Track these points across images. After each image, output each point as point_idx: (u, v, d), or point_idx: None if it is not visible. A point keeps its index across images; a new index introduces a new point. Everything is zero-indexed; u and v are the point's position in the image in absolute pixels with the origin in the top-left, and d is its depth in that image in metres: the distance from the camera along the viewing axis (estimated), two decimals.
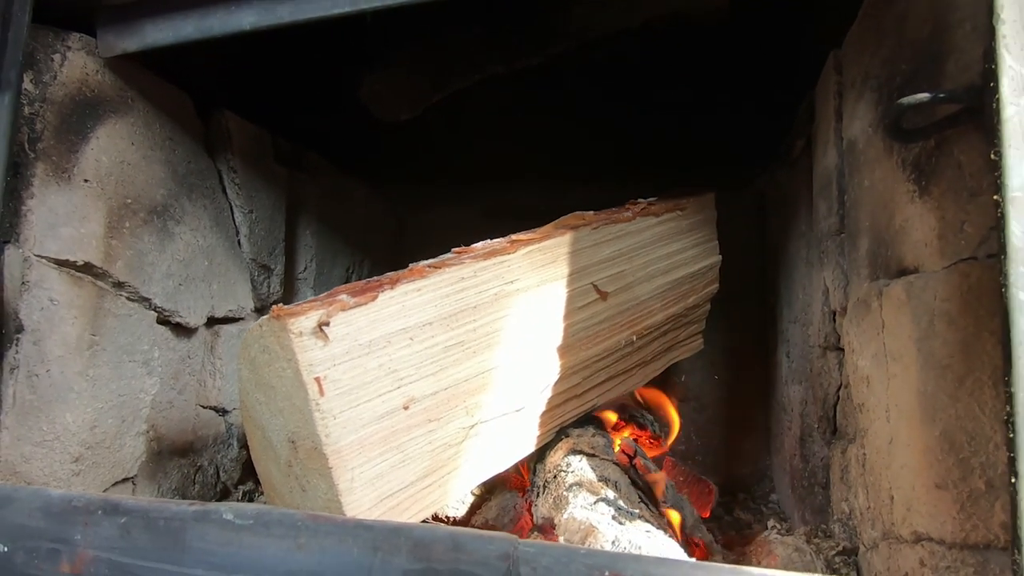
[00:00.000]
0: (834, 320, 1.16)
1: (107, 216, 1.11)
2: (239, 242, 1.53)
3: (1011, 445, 0.56)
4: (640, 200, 1.38)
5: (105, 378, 1.09)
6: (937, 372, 0.70)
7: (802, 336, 1.47)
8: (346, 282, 2.10)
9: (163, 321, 1.26)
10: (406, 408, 0.92)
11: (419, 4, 0.97)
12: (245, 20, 1.05)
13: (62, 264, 1.04)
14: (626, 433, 1.42)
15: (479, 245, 1.12)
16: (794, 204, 1.54)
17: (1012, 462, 0.56)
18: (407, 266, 1.02)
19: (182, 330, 1.32)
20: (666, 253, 1.38)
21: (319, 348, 0.83)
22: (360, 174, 2.09)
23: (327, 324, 0.82)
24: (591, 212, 1.27)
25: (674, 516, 1.06)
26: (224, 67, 1.42)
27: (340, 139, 1.85)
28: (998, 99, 0.60)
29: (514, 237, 1.11)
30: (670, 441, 1.78)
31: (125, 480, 1.15)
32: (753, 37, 1.30)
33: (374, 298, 0.89)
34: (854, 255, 1.04)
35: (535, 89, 1.56)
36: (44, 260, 1.02)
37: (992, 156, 0.61)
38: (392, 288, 0.91)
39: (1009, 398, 0.56)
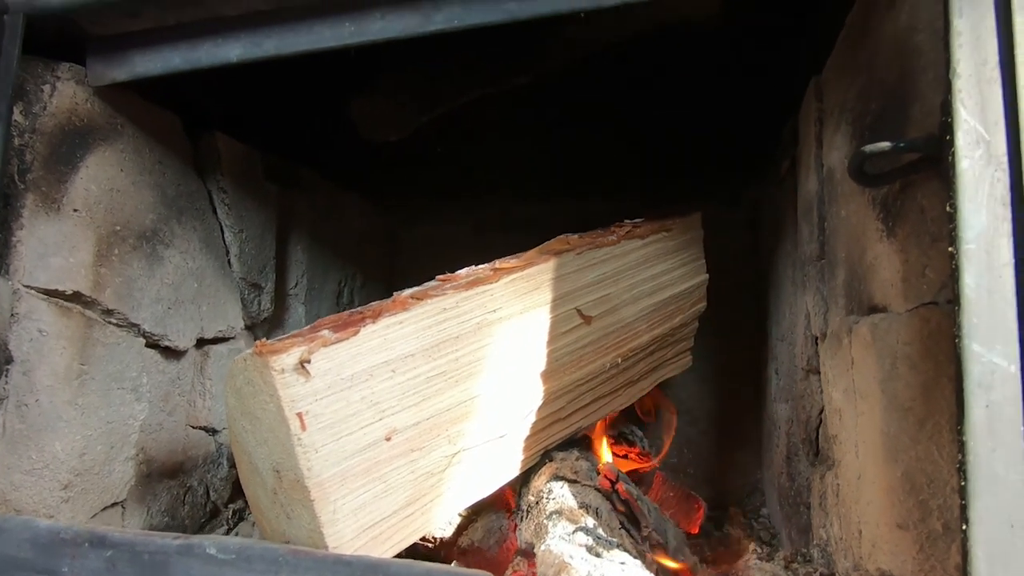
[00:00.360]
0: (816, 344, 1.17)
1: (96, 244, 1.13)
2: (229, 262, 1.55)
3: (963, 492, 0.57)
4: (625, 222, 1.40)
5: (94, 406, 1.11)
6: (899, 414, 0.72)
7: (788, 355, 1.48)
8: (338, 296, 2.12)
9: (152, 345, 1.27)
10: (388, 439, 0.94)
11: (402, 39, 0.98)
12: (232, 53, 1.06)
13: (51, 294, 1.06)
14: (608, 457, 1.43)
15: (463, 272, 1.14)
16: (782, 222, 1.55)
17: (964, 509, 0.57)
18: (392, 295, 1.03)
19: (171, 353, 1.34)
20: (651, 275, 1.39)
21: (301, 384, 0.85)
22: (353, 188, 2.11)
23: (308, 361, 0.84)
24: (575, 236, 1.28)
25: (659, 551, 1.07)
26: (214, 88, 1.44)
27: (333, 154, 1.86)
28: (954, 152, 0.62)
29: (497, 265, 1.13)
30: (660, 456, 1.79)
31: (114, 505, 1.17)
32: (744, 50, 1.30)
33: (356, 332, 0.90)
34: (832, 283, 1.06)
35: (528, 104, 1.58)
36: (33, 291, 1.03)
37: (948, 208, 0.62)
38: (374, 322, 0.93)
39: (962, 446, 0.58)
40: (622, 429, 1.71)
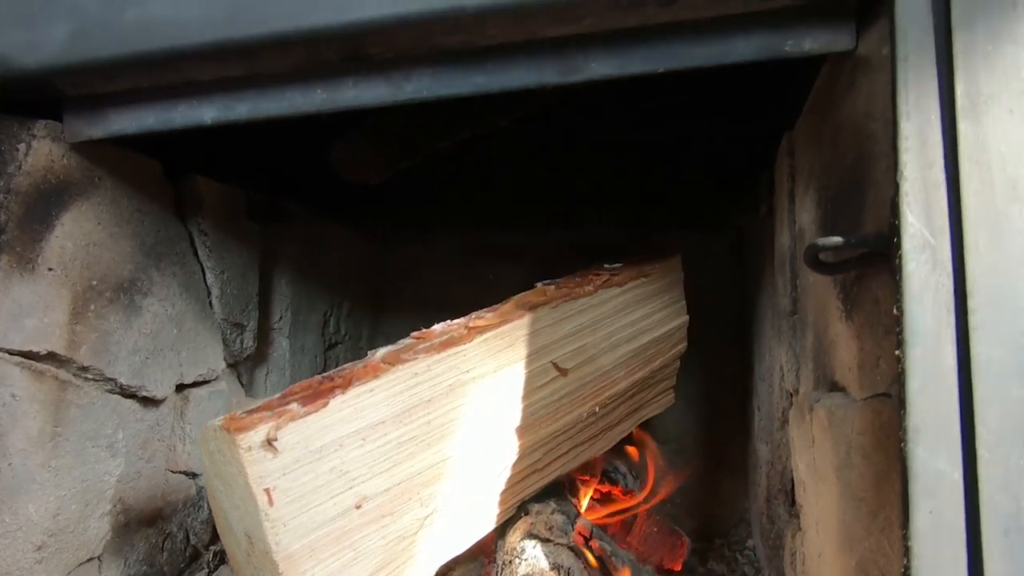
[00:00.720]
0: (790, 398, 1.18)
1: (72, 302, 1.13)
2: (210, 303, 1.55)
3: None
4: (604, 268, 1.41)
5: (68, 467, 1.11)
6: (854, 503, 0.72)
7: (768, 397, 1.49)
8: (324, 327, 2.13)
9: (129, 396, 1.28)
10: (359, 507, 0.94)
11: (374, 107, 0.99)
12: (206, 115, 1.07)
13: (26, 356, 1.06)
14: (587, 499, 1.44)
15: (437, 329, 1.15)
16: (763, 260, 1.55)
17: None
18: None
19: (150, 402, 1.34)
20: (630, 321, 1.40)
21: (269, 460, 0.85)
22: (339, 215, 2.11)
23: (275, 439, 0.85)
24: (552, 286, 1.29)
25: None
26: (196, 132, 1.44)
27: (317, 185, 1.87)
28: (900, 256, 0.63)
29: (471, 323, 1.13)
30: (644, 494, 1.80)
31: (90, 560, 1.17)
32: (729, 90, 1.30)
33: (326, 404, 0.91)
34: (803, 343, 1.07)
35: (515, 133, 1.58)
36: (7, 354, 1.04)
37: (895, 311, 0.63)
38: (344, 392, 0.93)
39: (907, 551, 0.59)
40: (605, 467, 1.72)
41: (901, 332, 0.62)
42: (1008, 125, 0.61)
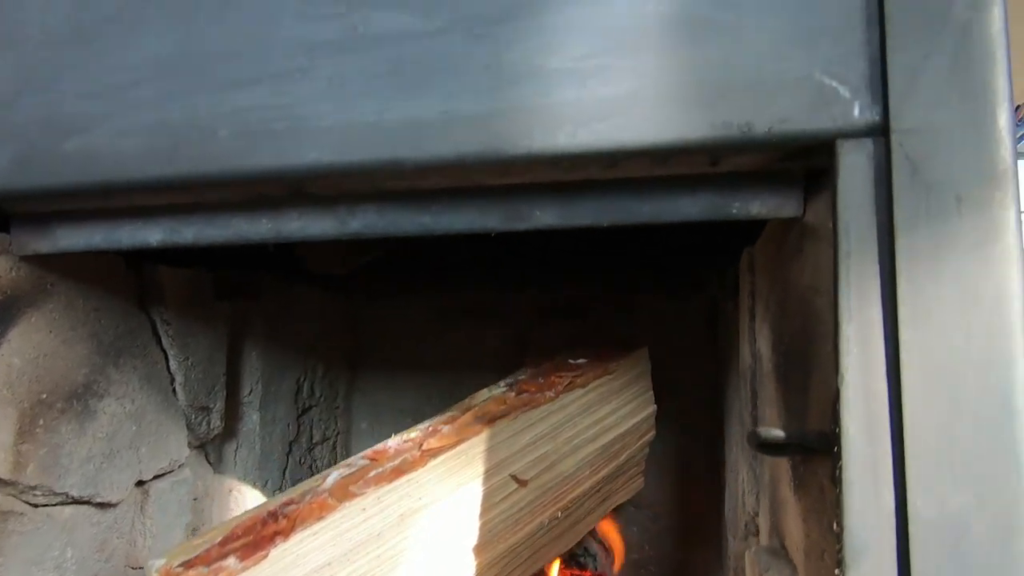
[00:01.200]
0: (753, 518, 1.16)
1: (18, 421, 1.11)
2: (174, 390, 1.52)
3: None
4: (567, 366, 1.38)
5: None
6: None
7: (732, 492, 1.47)
8: (297, 393, 2.10)
9: (83, 503, 1.25)
10: None
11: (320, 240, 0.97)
12: (152, 237, 1.05)
13: None
14: None
15: (392, 448, 1.12)
16: (731, 347, 1.53)
17: None
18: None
19: (106, 505, 1.31)
20: (594, 420, 1.37)
21: None
22: (312, 278, 2.08)
23: None
24: (512, 392, 1.27)
25: None
26: None
27: (287, 254, 1.84)
28: (840, 467, 0.61)
29: (426, 444, 1.11)
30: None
31: None
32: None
33: (265, 555, 0.88)
34: (761, 471, 1.05)
35: None
36: None
37: (835, 526, 0.61)
38: (286, 539, 0.91)
39: None
40: (573, 551, 1.69)
41: (841, 551, 0.60)
42: (953, 338, 0.59)
